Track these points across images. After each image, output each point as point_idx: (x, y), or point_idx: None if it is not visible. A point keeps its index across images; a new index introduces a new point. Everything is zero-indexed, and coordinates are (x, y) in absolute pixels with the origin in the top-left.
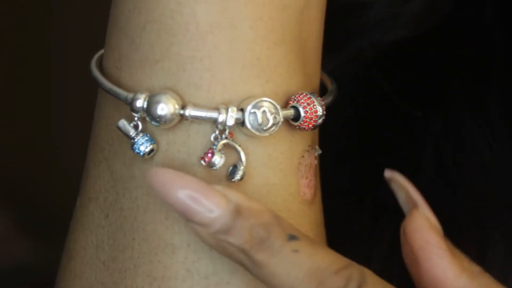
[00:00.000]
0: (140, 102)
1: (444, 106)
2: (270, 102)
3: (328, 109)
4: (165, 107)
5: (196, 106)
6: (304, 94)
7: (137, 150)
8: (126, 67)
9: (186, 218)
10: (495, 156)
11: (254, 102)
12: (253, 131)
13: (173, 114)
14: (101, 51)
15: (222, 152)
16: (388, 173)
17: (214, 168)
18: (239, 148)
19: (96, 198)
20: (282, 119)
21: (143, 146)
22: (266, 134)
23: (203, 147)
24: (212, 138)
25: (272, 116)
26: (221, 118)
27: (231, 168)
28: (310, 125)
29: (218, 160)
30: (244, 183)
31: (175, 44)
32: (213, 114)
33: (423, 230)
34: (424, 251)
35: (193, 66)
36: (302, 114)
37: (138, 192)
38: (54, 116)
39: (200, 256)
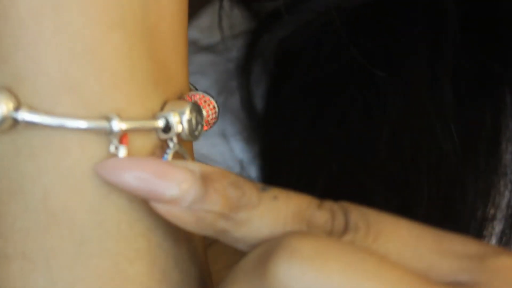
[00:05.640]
0: None
1: (403, 75)
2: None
3: None
4: None
5: (33, 108)
6: (196, 93)
7: None
8: None
9: (154, 199)
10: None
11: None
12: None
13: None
14: None
15: None
16: None
17: None
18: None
19: None
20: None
21: None
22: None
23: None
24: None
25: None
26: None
27: None
28: (210, 125)
29: None
30: None
31: None
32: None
33: None
34: None
35: (17, 56)
36: (204, 113)
37: None
38: None
39: (37, 266)
